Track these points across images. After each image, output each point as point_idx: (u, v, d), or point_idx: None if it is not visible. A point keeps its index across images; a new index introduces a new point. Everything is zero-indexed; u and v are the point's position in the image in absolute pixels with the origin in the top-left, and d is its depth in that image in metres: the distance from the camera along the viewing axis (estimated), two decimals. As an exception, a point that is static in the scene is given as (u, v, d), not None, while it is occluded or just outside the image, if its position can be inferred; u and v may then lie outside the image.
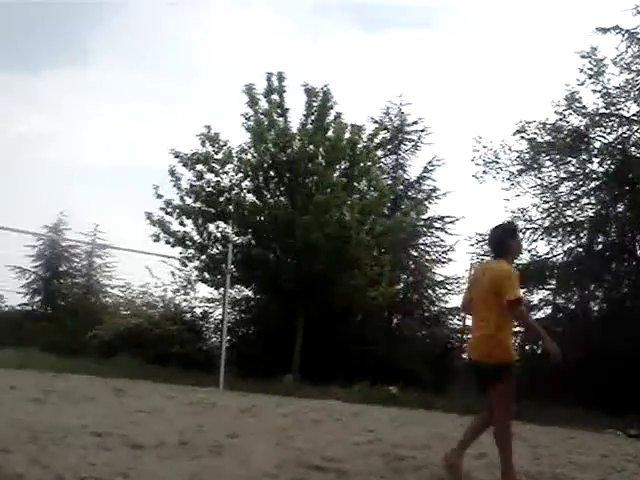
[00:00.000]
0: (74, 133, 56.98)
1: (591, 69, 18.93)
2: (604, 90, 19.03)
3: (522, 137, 19.78)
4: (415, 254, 23.67)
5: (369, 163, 19.56)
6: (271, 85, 19.22)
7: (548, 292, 20.62)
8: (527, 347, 19.67)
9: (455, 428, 10.79)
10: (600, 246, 20.27)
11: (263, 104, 19.23)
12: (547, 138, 19.71)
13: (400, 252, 21.86)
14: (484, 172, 20.38)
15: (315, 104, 19.32)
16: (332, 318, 19.64)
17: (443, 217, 23.27)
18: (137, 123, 57.11)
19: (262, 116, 19.08)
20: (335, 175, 18.77)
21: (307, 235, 17.45)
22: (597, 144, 19.62)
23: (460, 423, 11.77)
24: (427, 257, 23.69)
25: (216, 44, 53.65)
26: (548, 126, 19.64)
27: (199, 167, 19.16)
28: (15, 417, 8.14)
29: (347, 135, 19.03)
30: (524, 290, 17.96)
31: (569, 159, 19.98)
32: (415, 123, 24.00)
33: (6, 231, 18.33)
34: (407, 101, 23.94)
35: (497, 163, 20.22)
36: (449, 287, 22.99)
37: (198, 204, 19.06)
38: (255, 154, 18.98)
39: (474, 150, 20.31)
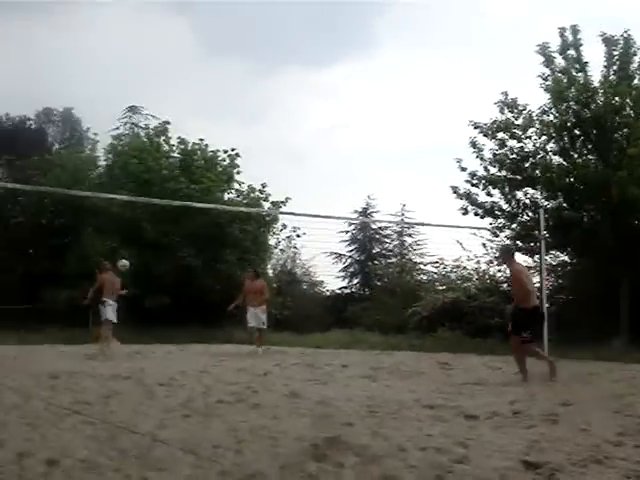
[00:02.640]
0: (371, 119, 59.02)
1: None
2: None
3: None
4: None
5: (684, 107, 18.03)
6: (566, 40, 18.38)
7: None
8: None
9: None
10: None
11: (560, 61, 18.47)
12: None
13: None
14: None
15: (616, 53, 18.16)
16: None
17: None
18: (430, 100, 57.77)
19: (560, 74, 18.33)
20: (647, 125, 17.58)
21: (623, 191, 16.48)
22: None
23: None
24: None
25: (501, 7, 52.65)
26: None
27: (500, 135, 18.88)
28: (351, 393, 8.61)
29: (656, 80, 17.74)
30: None
31: None
32: None
33: (322, 219, 19.42)
34: None
35: None
36: None
37: (503, 172, 18.80)
38: (557, 114, 18.31)
39: None
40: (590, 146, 18.26)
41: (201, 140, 26.13)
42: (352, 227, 33.94)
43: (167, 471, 4.54)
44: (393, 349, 17.41)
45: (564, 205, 18.41)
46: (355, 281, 33.68)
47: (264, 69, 64.82)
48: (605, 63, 18.24)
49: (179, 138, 26.31)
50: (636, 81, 17.91)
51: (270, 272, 28.95)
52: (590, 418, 6.59)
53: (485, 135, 18.98)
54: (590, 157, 18.21)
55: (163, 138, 26.70)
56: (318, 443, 5.14)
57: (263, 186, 26.04)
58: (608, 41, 18.17)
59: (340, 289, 32.90)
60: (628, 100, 17.57)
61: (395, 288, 25.38)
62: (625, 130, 17.55)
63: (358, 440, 5.35)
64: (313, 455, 4.89)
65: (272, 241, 27.53)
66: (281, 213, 25.97)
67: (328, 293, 32.37)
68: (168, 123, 27.19)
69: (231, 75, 61.89)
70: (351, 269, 33.99)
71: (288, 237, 27.68)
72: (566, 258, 20.86)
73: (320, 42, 60.21)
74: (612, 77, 18.05)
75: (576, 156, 18.34)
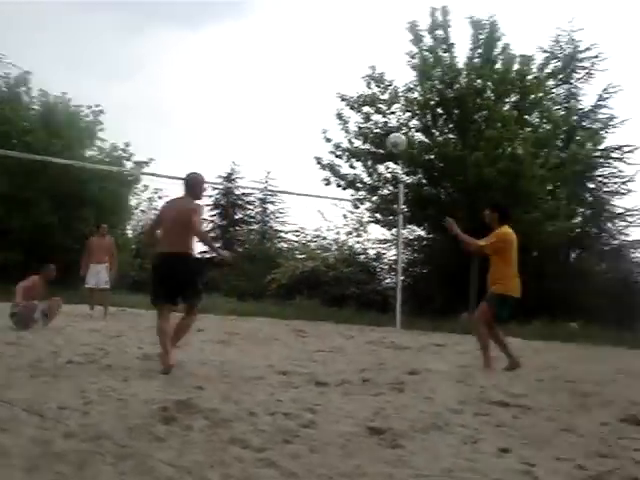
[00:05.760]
0: (239, 84, 58.58)
1: None
2: None
3: None
4: (592, 186, 22.74)
5: (540, 94, 18.85)
6: (435, 20, 18.81)
7: None
8: None
9: (642, 364, 10.43)
10: None
11: (428, 41, 18.90)
12: None
13: (576, 185, 21.00)
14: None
15: (481, 37, 18.73)
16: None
17: (621, 146, 22.26)
18: (300, 68, 57.83)
19: (427, 53, 18.76)
20: (505, 109, 18.27)
21: (479, 171, 17.08)
22: None
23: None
24: (605, 189, 22.72)
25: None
26: None
27: (366, 109, 19.20)
28: (205, 357, 8.58)
29: (516, 67, 18.43)
30: None
31: None
32: (588, 50, 22.97)
33: (179, 181, 19.14)
34: (578, 27, 22.92)
35: (680, 85, 18.75)
36: (630, 219, 22.01)
37: (367, 146, 19.12)
38: (422, 92, 18.73)
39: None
40: (451, 125, 18.83)
41: (64, 94, 25.16)
42: (215, 192, 33.78)
43: (10, 432, 4.39)
44: (250, 315, 17.46)
45: (423, 181, 18.94)
46: (216, 246, 33.54)
47: (134, 27, 63.05)
48: (471, 46, 18.83)
49: (40, 90, 25.24)
50: (498, 65, 18.54)
51: (130, 233, 28.39)
52: (434, 387, 6.82)
53: (351, 108, 19.24)
54: (451, 136, 18.77)
55: (24, 89, 25.56)
56: (168, 406, 5.10)
57: (126, 145, 25.39)
58: (475, 24, 18.72)
59: (200, 253, 32.61)
60: (489, 83, 18.19)
61: (255, 255, 25.44)
62: (485, 112, 18.16)
63: (208, 404, 5.34)
64: (162, 417, 4.85)
65: (133, 202, 26.97)
66: (143, 174, 25.41)
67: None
68: (29, 73, 26.03)
69: (101, 30, 59.85)
70: (212, 234, 33.83)
71: (150, 198, 27.21)
72: (422, 233, 21.47)
73: (192, 3, 59.13)
74: (476, 60, 18.64)
75: (437, 134, 18.88)
